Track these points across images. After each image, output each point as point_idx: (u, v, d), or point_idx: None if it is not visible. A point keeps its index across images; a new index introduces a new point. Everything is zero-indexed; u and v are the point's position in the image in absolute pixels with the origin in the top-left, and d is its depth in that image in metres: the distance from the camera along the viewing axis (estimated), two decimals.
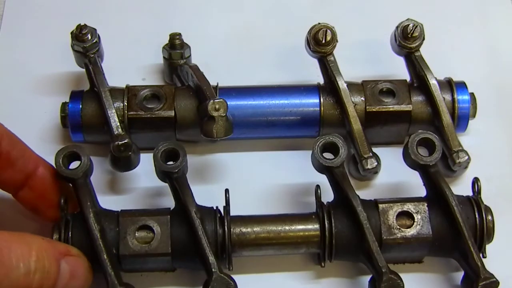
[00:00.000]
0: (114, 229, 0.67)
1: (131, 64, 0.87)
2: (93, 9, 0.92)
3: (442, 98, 0.77)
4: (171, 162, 0.69)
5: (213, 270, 0.65)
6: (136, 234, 0.67)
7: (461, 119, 0.79)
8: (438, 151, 0.70)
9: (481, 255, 0.68)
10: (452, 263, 0.72)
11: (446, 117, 0.76)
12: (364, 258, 0.68)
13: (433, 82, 0.78)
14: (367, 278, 0.69)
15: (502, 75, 0.88)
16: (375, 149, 0.76)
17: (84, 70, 0.79)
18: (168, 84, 0.84)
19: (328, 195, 0.72)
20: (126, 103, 0.77)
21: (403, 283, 0.66)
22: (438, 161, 0.77)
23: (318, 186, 0.72)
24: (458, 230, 0.68)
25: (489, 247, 0.70)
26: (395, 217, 0.69)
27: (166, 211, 0.69)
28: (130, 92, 0.78)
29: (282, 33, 0.91)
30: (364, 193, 0.72)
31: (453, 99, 0.79)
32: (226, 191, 0.70)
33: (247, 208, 0.72)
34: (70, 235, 0.66)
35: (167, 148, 0.69)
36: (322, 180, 0.72)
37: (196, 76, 0.76)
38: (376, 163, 0.74)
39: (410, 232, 0.68)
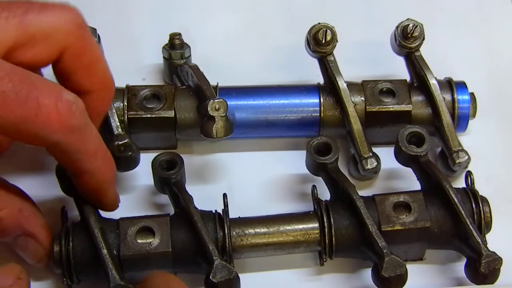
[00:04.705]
0: (114, 231, 0.68)
1: (131, 64, 0.87)
2: (93, 9, 0.91)
3: (442, 98, 0.77)
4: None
5: (214, 258, 0.65)
6: (137, 235, 0.67)
7: (461, 119, 0.79)
8: (428, 142, 0.72)
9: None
10: (454, 259, 0.73)
11: (446, 117, 0.76)
12: (365, 247, 0.68)
13: (433, 82, 0.78)
14: (368, 272, 0.69)
15: (502, 75, 0.88)
16: (375, 149, 0.76)
17: None
18: (168, 84, 0.84)
19: (324, 197, 0.72)
20: (126, 103, 0.77)
21: (405, 263, 0.65)
22: (438, 161, 0.78)
23: (314, 186, 0.72)
24: (455, 214, 0.68)
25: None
26: (392, 207, 0.69)
27: (165, 215, 0.70)
28: (130, 92, 0.78)
29: (282, 33, 0.91)
30: (364, 193, 0.72)
31: (453, 99, 0.79)
32: (224, 195, 0.70)
33: (247, 208, 0.72)
34: (71, 244, 0.67)
35: (165, 158, 0.71)
36: (322, 180, 0.73)
37: (196, 76, 0.76)
38: (376, 163, 0.74)
39: (409, 219, 0.68)
